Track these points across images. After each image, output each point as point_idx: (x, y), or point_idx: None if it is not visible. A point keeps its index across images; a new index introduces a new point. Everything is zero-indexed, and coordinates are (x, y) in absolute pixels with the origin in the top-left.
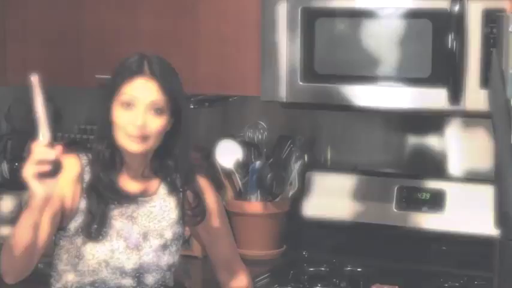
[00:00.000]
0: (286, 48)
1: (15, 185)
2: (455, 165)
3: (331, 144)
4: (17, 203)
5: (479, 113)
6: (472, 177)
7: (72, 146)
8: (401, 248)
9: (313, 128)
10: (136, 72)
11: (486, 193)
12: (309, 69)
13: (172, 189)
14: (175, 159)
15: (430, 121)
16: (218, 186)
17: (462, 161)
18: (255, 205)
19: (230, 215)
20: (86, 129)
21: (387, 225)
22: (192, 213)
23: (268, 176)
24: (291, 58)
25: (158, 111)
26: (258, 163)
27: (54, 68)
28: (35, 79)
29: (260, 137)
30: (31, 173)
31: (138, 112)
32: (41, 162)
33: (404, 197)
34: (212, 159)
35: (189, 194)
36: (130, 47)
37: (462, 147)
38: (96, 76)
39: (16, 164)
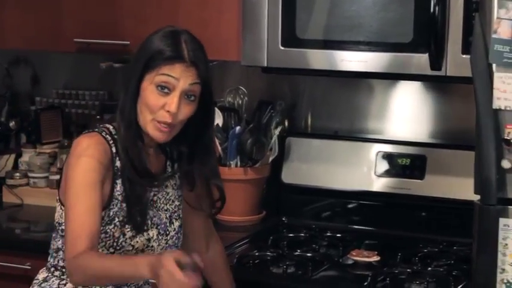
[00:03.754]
0: (267, 12)
1: None
2: (435, 131)
3: (311, 109)
4: None
5: (460, 79)
6: (452, 143)
7: (50, 110)
8: (381, 213)
9: (293, 93)
10: (177, 57)
11: (466, 158)
12: (290, 34)
13: (185, 177)
14: (196, 148)
15: (411, 86)
16: None
17: (442, 126)
18: (234, 171)
19: None
20: (65, 94)
21: (367, 190)
22: (215, 204)
23: (248, 141)
24: (271, 22)
25: (192, 97)
26: (238, 128)
27: (32, 32)
28: None
29: (240, 102)
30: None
31: (173, 97)
32: None
33: (384, 162)
34: None
35: (213, 187)
36: (109, 10)
37: (443, 113)
38: (75, 40)
39: None
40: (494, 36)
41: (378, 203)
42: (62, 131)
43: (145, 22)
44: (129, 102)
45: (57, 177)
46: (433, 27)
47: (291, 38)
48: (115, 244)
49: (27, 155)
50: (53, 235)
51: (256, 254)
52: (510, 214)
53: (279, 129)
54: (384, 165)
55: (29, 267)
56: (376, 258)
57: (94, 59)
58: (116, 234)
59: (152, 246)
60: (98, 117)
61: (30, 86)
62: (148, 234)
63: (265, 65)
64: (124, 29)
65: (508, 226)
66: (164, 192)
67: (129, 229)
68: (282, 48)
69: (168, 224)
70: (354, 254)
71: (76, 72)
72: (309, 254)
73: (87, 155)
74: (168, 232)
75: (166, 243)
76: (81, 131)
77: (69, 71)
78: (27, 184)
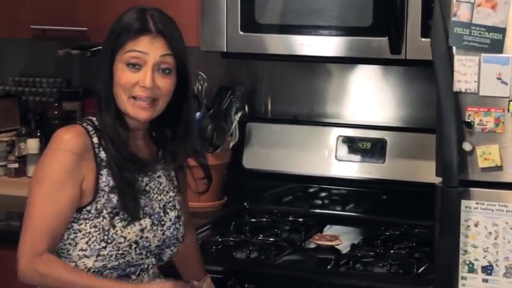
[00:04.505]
0: None
1: None
2: (395, 114)
3: (271, 94)
4: None
5: (420, 62)
6: (412, 126)
7: (7, 98)
8: (342, 197)
9: (252, 79)
10: (142, 29)
11: (426, 141)
12: (249, 19)
13: (171, 158)
14: (179, 128)
15: (371, 70)
16: None
17: (402, 110)
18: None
19: None
20: (21, 82)
21: (328, 175)
22: (199, 183)
23: (209, 127)
24: (230, 7)
25: (166, 70)
26: (198, 114)
27: None
28: None
29: (200, 88)
30: None
31: (146, 72)
32: None
33: (345, 146)
34: None
35: (193, 165)
36: None
37: (402, 96)
38: (31, 27)
39: None
40: (453, 19)
41: (338, 187)
42: (19, 119)
43: (103, 8)
44: (103, 87)
45: (16, 165)
46: (393, 11)
47: (251, 23)
48: (106, 237)
49: None
50: None
51: (219, 239)
52: (472, 196)
53: (239, 114)
54: (344, 149)
55: None
56: (338, 242)
57: (51, 46)
58: (106, 227)
59: (147, 237)
60: (56, 104)
61: None
62: (141, 224)
63: (225, 50)
64: (81, 15)
65: (470, 208)
66: (156, 182)
67: (118, 220)
68: (242, 33)
69: (162, 214)
70: (316, 238)
71: (33, 59)
72: (271, 239)
73: (62, 149)
74: (163, 222)
75: (163, 234)
76: (39, 118)
77: (26, 58)
78: None
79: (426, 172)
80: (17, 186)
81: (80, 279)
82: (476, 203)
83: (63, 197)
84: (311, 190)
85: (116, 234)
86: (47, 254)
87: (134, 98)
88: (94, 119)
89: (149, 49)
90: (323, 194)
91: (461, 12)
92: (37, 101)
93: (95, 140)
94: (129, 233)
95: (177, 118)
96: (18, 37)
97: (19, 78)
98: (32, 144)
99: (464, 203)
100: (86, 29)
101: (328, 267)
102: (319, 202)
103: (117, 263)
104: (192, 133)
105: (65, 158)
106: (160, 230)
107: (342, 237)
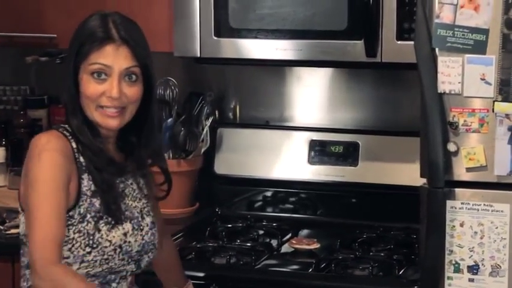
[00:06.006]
0: (199, 1)
1: None
2: (367, 117)
3: (241, 99)
4: None
5: (395, 65)
6: (384, 129)
7: None
8: (316, 201)
9: (222, 84)
10: (105, 38)
11: (398, 145)
12: (223, 23)
13: (139, 166)
14: (142, 134)
15: (342, 74)
16: None
17: (374, 113)
18: (168, 163)
19: None
20: None
21: (301, 179)
22: (158, 189)
23: (181, 133)
24: (204, 12)
25: (133, 78)
26: (170, 120)
27: None
28: None
29: (171, 94)
30: None
31: (112, 82)
32: None
33: (316, 150)
34: None
35: (155, 170)
36: (33, 2)
37: (374, 100)
38: None
39: None
40: (436, 21)
41: (311, 191)
42: None
43: (72, 14)
44: (69, 97)
45: None
46: (368, 14)
47: (224, 28)
48: (91, 242)
49: None
50: (21, 251)
51: (197, 246)
52: (457, 196)
53: (210, 120)
54: (316, 153)
55: None
56: (316, 245)
57: (14, 53)
58: (91, 231)
59: (129, 241)
60: (21, 112)
61: None
62: (124, 228)
63: (199, 55)
64: (49, 22)
65: (455, 208)
66: (131, 189)
67: (103, 223)
68: (215, 38)
69: (140, 219)
70: (294, 242)
71: None
72: (248, 244)
73: (48, 149)
74: (142, 227)
75: (142, 238)
76: (4, 127)
77: None
78: None
79: (399, 175)
80: None
81: None
82: (462, 203)
83: (60, 196)
84: (284, 195)
85: (102, 238)
86: (60, 263)
87: (102, 107)
88: (67, 126)
89: (113, 61)
90: (296, 198)
91: (444, 14)
92: (1, 110)
93: (74, 145)
94: (114, 236)
95: (141, 124)
96: None
97: None
98: None
99: (449, 203)
100: (55, 35)
101: (310, 270)
102: (292, 206)
103: (100, 269)
104: (155, 138)
105: (53, 156)
106: (140, 235)
107: (318, 241)
